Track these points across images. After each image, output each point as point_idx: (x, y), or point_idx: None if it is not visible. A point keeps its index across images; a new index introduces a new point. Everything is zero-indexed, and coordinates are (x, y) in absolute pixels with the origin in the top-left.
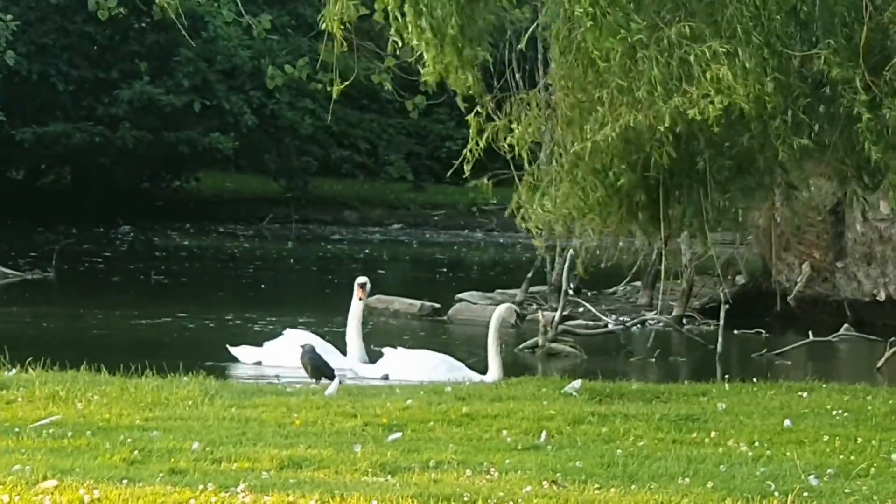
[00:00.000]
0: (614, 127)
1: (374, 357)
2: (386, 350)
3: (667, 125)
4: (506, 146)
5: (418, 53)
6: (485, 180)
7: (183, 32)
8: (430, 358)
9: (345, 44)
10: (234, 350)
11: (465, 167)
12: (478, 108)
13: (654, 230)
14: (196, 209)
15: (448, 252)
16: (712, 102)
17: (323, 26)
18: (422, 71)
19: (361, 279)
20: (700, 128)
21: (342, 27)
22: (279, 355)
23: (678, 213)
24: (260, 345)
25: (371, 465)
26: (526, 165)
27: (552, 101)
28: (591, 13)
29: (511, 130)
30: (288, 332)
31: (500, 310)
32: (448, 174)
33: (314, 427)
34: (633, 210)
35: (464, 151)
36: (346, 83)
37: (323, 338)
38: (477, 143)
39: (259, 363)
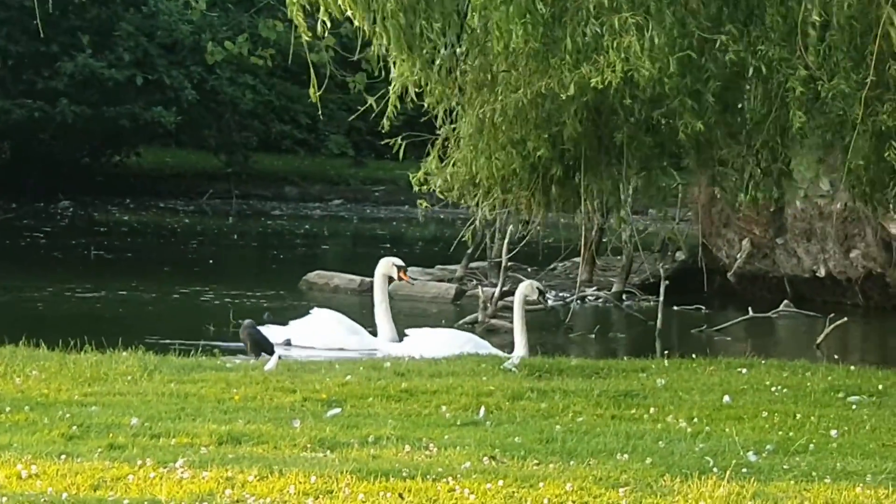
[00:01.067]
0: (525, 93)
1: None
2: (410, 330)
3: (571, 93)
4: (417, 102)
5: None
6: (399, 140)
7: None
8: (456, 336)
9: (306, 29)
10: None
11: (384, 124)
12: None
13: (570, 205)
14: (136, 184)
15: (388, 228)
16: (614, 71)
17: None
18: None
19: (396, 261)
20: (620, 103)
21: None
22: (307, 334)
23: (594, 188)
24: (284, 323)
25: (310, 441)
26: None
27: (464, 65)
28: None
29: (428, 91)
30: (315, 310)
31: (523, 287)
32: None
33: (253, 402)
34: (548, 183)
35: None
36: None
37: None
38: (396, 107)
39: (288, 342)
